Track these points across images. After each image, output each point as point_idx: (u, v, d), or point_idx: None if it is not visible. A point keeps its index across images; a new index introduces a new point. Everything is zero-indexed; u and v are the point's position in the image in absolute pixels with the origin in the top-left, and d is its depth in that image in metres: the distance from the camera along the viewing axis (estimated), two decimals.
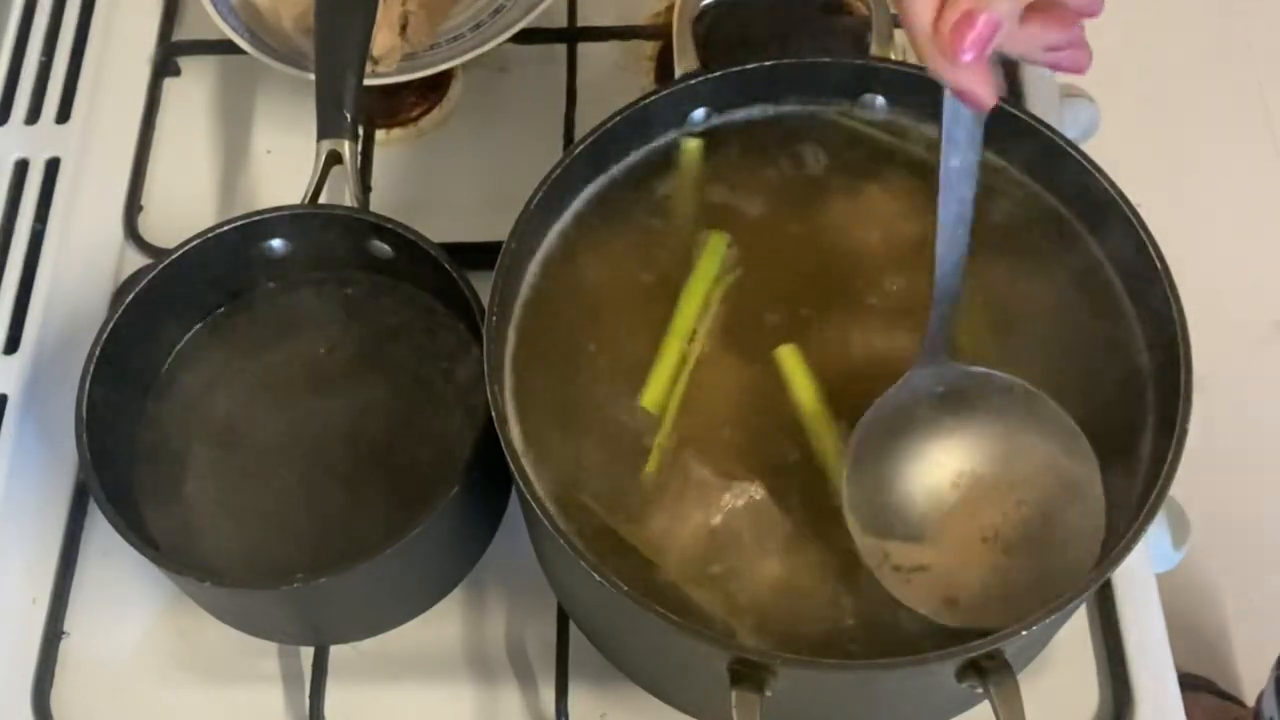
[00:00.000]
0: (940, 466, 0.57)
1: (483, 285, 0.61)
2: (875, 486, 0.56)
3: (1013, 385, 0.56)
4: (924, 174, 0.64)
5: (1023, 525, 0.55)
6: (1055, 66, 0.54)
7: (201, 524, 0.67)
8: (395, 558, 0.60)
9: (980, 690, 0.51)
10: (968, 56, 0.47)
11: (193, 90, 0.86)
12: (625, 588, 0.52)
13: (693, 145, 0.65)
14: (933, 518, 0.56)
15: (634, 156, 0.65)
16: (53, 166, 0.84)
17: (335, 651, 0.67)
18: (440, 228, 0.70)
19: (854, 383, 0.59)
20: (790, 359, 0.60)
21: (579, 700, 0.65)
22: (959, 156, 0.52)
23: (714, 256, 0.63)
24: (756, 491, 0.58)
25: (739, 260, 0.63)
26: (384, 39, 0.78)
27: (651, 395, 0.60)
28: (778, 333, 0.61)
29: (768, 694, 0.51)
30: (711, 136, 0.66)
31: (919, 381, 0.57)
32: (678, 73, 0.65)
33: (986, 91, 0.48)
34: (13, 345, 0.78)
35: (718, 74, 0.64)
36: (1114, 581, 0.67)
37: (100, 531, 0.70)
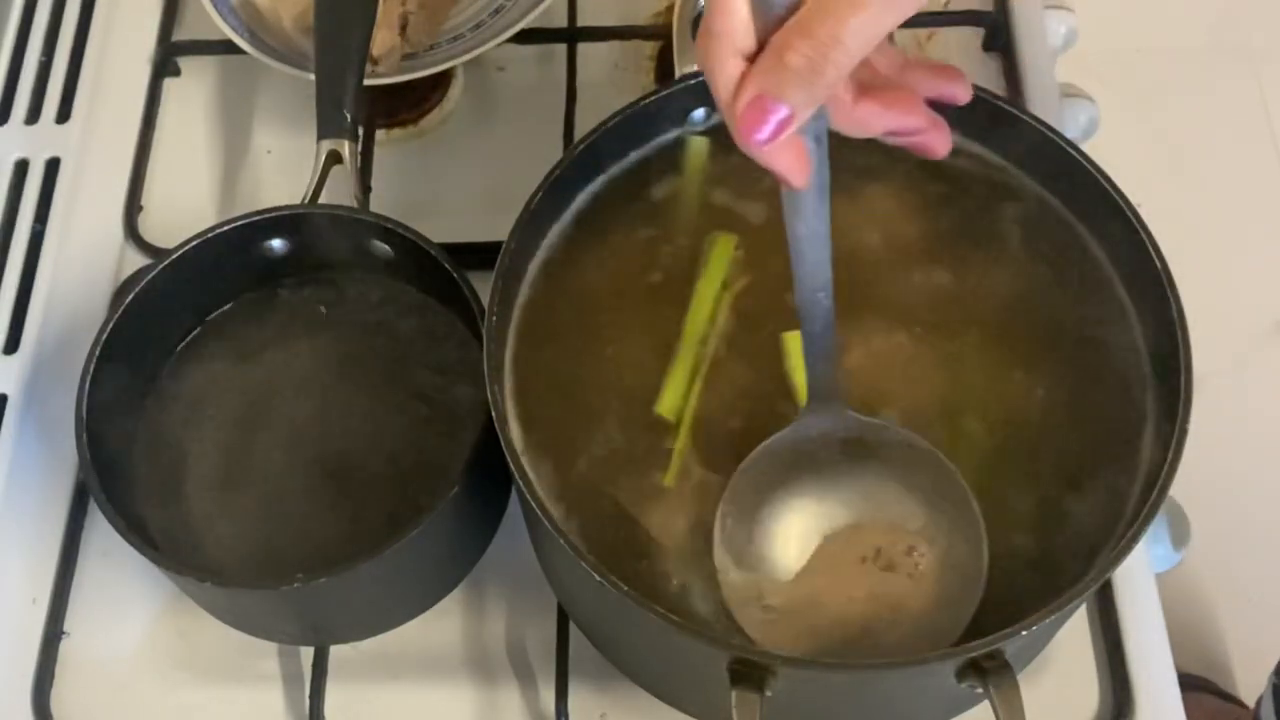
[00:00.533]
0: (827, 512, 0.57)
1: (483, 285, 0.61)
2: (757, 523, 0.56)
3: (911, 442, 0.56)
4: (926, 172, 0.64)
5: (897, 583, 0.56)
6: (909, 148, 0.54)
7: (201, 524, 0.67)
8: (395, 558, 0.60)
9: (980, 690, 0.51)
10: (759, 140, 0.45)
11: (193, 90, 0.86)
12: (625, 588, 0.52)
13: (699, 143, 0.65)
14: (809, 562, 0.56)
15: (634, 156, 0.65)
16: (53, 166, 0.84)
17: (335, 651, 0.67)
18: (440, 228, 0.70)
19: (865, 382, 0.59)
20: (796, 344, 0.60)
21: (579, 700, 0.65)
22: (804, 224, 0.50)
23: (723, 259, 0.62)
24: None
25: (744, 261, 0.63)
26: (384, 39, 0.78)
27: (668, 403, 0.59)
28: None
29: (768, 694, 0.51)
30: (712, 136, 0.66)
31: (813, 427, 0.56)
32: (678, 73, 0.65)
33: (794, 171, 0.47)
34: (13, 345, 0.78)
35: None
36: (1114, 581, 0.67)
37: (100, 531, 0.70)
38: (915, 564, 0.56)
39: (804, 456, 0.57)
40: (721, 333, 0.61)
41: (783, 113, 0.44)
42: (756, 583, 0.56)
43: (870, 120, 0.51)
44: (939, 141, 0.53)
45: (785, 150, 0.46)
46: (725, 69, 0.45)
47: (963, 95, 0.55)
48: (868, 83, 0.50)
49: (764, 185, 0.65)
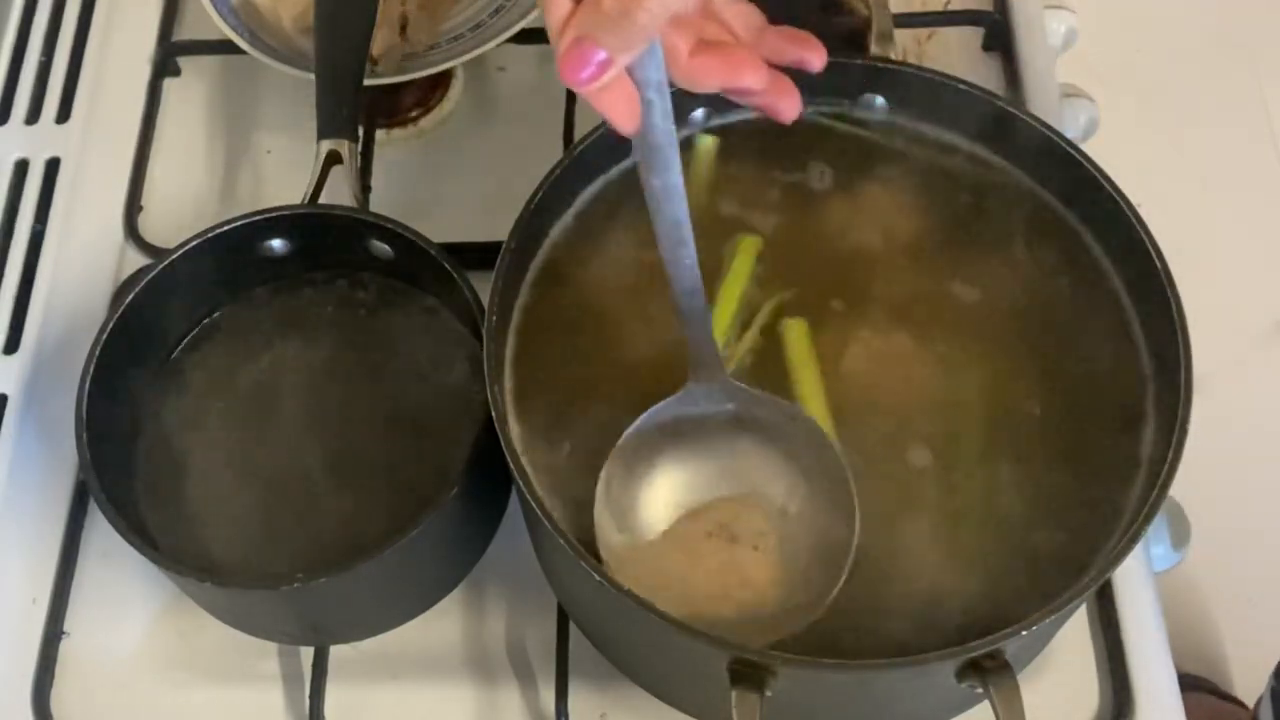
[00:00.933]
0: (702, 483, 0.58)
1: (483, 285, 0.61)
2: (639, 489, 0.57)
3: (794, 414, 0.57)
4: (925, 172, 0.64)
5: (770, 553, 0.56)
6: (760, 109, 0.55)
7: (201, 524, 0.67)
8: (395, 558, 0.60)
9: (980, 690, 0.51)
10: (580, 81, 0.46)
11: (193, 90, 0.86)
12: (625, 588, 0.52)
13: (708, 142, 0.65)
14: (670, 531, 0.57)
15: (632, 158, 0.65)
16: (53, 166, 0.84)
17: (335, 651, 0.67)
18: (440, 228, 0.70)
19: (866, 380, 0.59)
20: (796, 332, 0.61)
21: (579, 700, 0.65)
22: (657, 176, 0.50)
23: (746, 260, 0.62)
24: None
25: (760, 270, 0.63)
26: (384, 39, 0.78)
27: None
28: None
29: (768, 694, 0.51)
30: (720, 136, 0.66)
31: (699, 396, 0.57)
32: None
33: (620, 115, 0.48)
34: (13, 345, 0.78)
35: None
36: (1114, 581, 0.67)
37: (100, 531, 0.70)
38: (789, 540, 0.56)
39: (692, 425, 0.57)
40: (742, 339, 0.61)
41: (600, 55, 0.46)
42: (635, 547, 0.56)
43: (702, 75, 0.52)
44: (785, 106, 0.55)
45: (610, 93, 0.47)
46: (555, 10, 0.47)
47: (815, 62, 0.57)
48: (714, 41, 0.52)
49: (762, 185, 0.65)
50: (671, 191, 0.51)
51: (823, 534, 0.56)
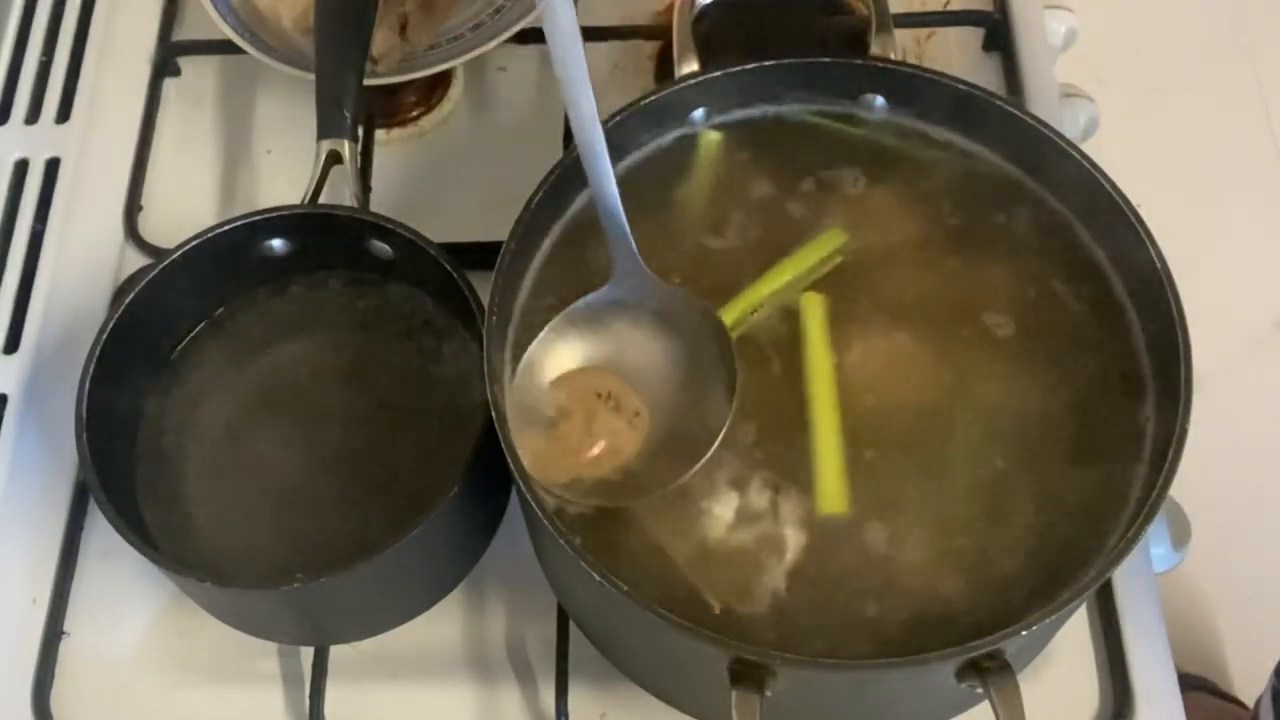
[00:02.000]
0: (609, 358, 0.60)
1: (483, 285, 0.61)
2: (549, 365, 0.60)
3: (706, 313, 0.59)
4: (926, 172, 0.64)
5: (641, 431, 0.59)
6: None
7: (201, 524, 0.67)
8: (395, 558, 0.60)
9: (980, 690, 0.51)
10: None
11: (193, 90, 0.86)
12: (625, 588, 0.52)
13: (713, 138, 0.65)
14: (578, 383, 0.60)
15: (634, 156, 0.65)
16: (53, 166, 0.84)
17: (335, 651, 0.67)
18: (440, 228, 0.70)
19: (866, 380, 0.60)
20: (812, 305, 0.61)
21: (579, 700, 0.65)
22: (569, 70, 0.53)
23: (818, 250, 0.63)
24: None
25: (752, 257, 0.63)
26: (384, 39, 0.78)
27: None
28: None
29: (768, 694, 0.51)
30: (724, 133, 0.66)
31: (625, 292, 0.59)
32: (678, 73, 0.65)
33: None
34: (13, 345, 0.78)
35: (718, 74, 0.64)
36: (1114, 581, 0.67)
37: (100, 531, 0.70)
38: (637, 418, 0.59)
39: (615, 318, 0.60)
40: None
41: None
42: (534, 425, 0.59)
43: None
44: None
45: None
46: None
47: None
48: None
49: (762, 184, 0.65)
50: (584, 84, 0.54)
51: (698, 421, 0.58)
